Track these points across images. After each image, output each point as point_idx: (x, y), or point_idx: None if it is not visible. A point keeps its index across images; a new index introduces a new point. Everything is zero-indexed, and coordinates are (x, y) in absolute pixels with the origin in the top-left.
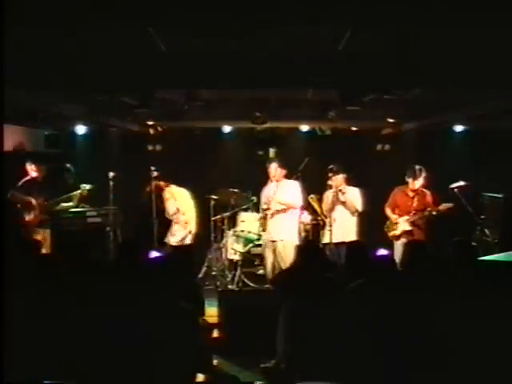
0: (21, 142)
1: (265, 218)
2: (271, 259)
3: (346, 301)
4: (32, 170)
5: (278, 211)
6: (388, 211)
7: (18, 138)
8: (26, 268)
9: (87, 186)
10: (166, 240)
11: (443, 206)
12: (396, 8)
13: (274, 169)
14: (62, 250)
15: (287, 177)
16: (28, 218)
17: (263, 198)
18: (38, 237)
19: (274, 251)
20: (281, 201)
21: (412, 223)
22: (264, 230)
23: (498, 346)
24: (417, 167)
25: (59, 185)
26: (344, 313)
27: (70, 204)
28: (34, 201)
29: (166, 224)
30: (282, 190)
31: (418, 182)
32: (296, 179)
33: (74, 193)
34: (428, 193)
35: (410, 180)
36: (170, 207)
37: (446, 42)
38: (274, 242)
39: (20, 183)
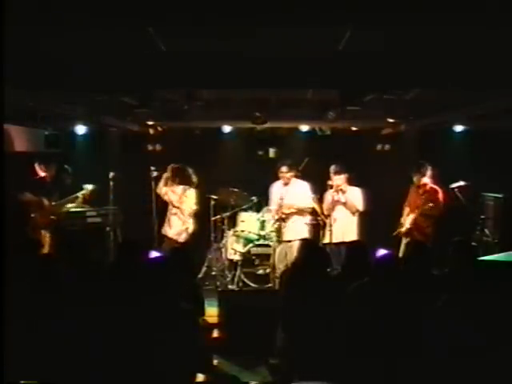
0: (21, 142)
1: (279, 224)
2: (283, 259)
3: (347, 300)
4: (41, 171)
5: (291, 214)
6: (404, 210)
7: (18, 138)
8: (26, 268)
9: (89, 187)
10: (163, 231)
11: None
12: (396, 8)
13: (285, 171)
14: (62, 249)
15: (297, 176)
16: (38, 218)
17: (273, 199)
18: (45, 237)
19: (287, 252)
20: (293, 207)
21: (415, 221)
22: (279, 236)
23: (498, 345)
24: (420, 163)
25: (58, 185)
26: (344, 313)
27: (73, 205)
28: (46, 201)
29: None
30: (292, 194)
31: (424, 179)
32: (296, 172)
33: (78, 194)
34: (439, 190)
35: (415, 178)
36: (173, 197)
37: (446, 42)
38: (289, 241)
39: (30, 183)
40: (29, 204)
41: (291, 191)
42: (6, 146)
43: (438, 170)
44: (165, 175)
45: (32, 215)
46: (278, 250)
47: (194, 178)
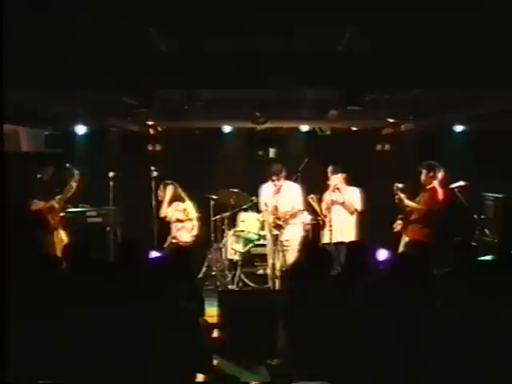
0: (21, 142)
1: (276, 232)
2: (278, 259)
3: (347, 301)
4: (38, 172)
5: (286, 219)
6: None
7: (18, 137)
8: (26, 268)
9: (77, 171)
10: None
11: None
12: (396, 8)
13: (278, 172)
14: (61, 249)
15: (287, 177)
16: (51, 220)
17: (265, 201)
18: (62, 236)
19: (281, 251)
20: (288, 212)
21: (407, 219)
22: (276, 240)
23: (498, 345)
24: (431, 164)
25: (58, 184)
26: (345, 313)
27: (70, 194)
28: (53, 202)
29: (167, 227)
30: (285, 197)
31: (423, 178)
32: (296, 179)
33: (71, 183)
34: (438, 189)
35: (424, 178)
36: (178, 214)
37: (446, 42)
38: (285, 241)
39: (35, 188)
40: (40, 210)
41: (283, 196)
42: (6, 146)
43: (448, 172)
44: (168, 196)
45: (45, 219)
46: (273, 250)
47: (183, 193)
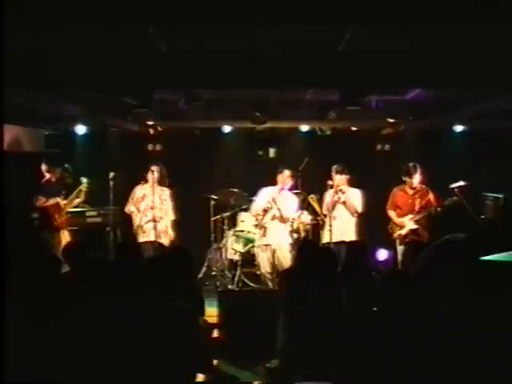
0: (21, 142)
1: (263, 214)
2: (266, 263)
3: (347, 301)
4: (46, 172)
5: (275, 217)
6: (391, 213)
7: (18, 137)
8: (26, 268)
9: (84, 180)
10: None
11: (449, 201)
12: (396, 8)
13: (287, 177)
14: (61, 249)
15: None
16: (57, 220)
17: (263, 199)
18: (66, 236)
19: (269, 254)
20: (281, 210)
21: (417, 222)
22: (259, 228)
23: (499, 345)
24: (411, 164)
25: (63, 184)
26: (345, 313)
27: (79, 200)
28: (60, 202)
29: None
30: (283, 200)
31: (416, 180)
32: (296, 179)
33: (80, 187)
34: (429, 190)
35: (407, 179)
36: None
37: (447, 42)
38: (268, 245)
39: (40, 186)
40: (47, 208)
41: (282, 200)
42: (6, 146)
43: (428, 171)
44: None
45: (50, 218)
46: (261, 254)
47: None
